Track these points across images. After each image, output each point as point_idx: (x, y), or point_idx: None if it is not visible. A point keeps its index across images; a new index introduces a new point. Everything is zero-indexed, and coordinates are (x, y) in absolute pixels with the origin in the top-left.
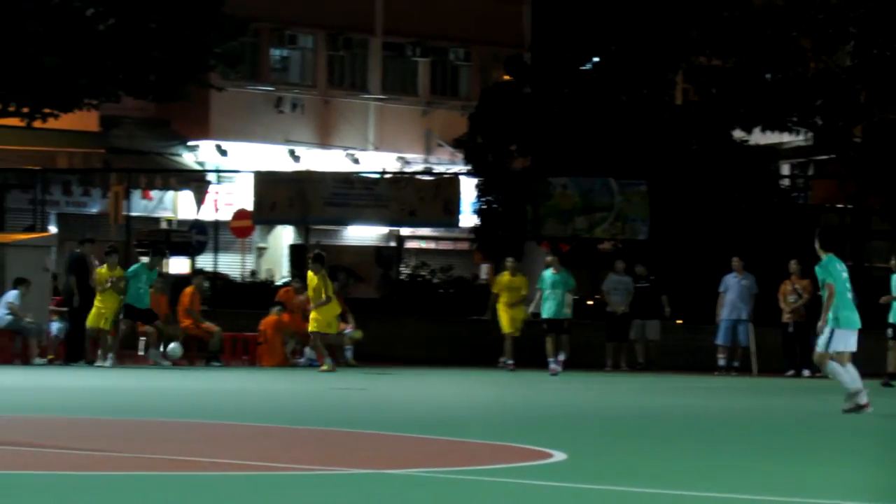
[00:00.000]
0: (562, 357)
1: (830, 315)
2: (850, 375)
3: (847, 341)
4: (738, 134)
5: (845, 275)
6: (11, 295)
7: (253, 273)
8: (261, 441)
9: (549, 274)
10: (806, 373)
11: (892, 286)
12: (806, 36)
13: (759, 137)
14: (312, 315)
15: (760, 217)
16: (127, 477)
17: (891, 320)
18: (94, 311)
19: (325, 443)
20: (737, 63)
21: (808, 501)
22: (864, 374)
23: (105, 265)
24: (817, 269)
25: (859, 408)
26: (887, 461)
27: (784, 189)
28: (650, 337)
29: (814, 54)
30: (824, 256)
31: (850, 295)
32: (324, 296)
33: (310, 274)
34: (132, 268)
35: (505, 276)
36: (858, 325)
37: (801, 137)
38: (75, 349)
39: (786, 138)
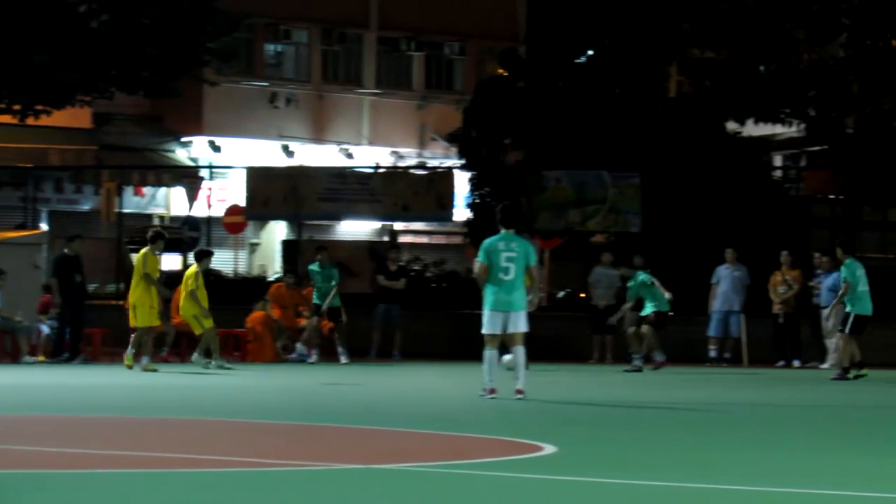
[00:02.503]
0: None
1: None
2: (486, 365)
3: (493, 324)
4: (731, 126)
5: (508, 254)
6: None
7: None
8: (250, 437)
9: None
10: (796, 363)
11: None
12: (799, 27)
13: (752, 129)
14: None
15: (753, 208)
16: (122, 475)
17: None
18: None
19: (315, 438)
20: (730, 55)
21: (800, 491)
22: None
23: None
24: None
25: (485, 391)
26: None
27: (776, 180)
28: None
29: (807, 46)
30: (502, 232)
31: (506, 276)
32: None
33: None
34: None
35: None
36: (504, 307)
37: (793, 129)
38: (61, 347)
39: (778, 130)
